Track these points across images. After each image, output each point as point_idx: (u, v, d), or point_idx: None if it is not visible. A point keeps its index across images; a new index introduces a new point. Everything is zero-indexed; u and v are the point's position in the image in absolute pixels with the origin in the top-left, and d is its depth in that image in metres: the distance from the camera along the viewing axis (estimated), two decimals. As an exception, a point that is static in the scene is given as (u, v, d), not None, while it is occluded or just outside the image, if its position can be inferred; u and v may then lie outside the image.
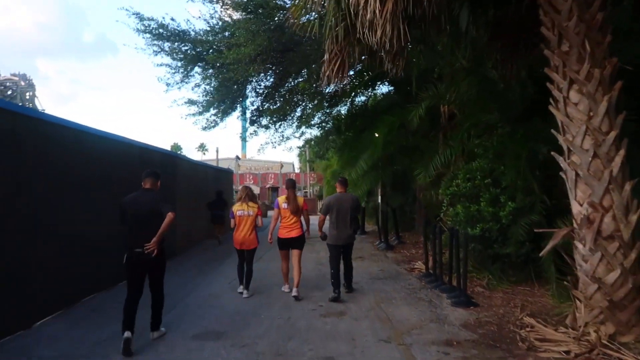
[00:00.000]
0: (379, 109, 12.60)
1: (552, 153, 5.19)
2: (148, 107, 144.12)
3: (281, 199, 7.04)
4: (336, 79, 5.54)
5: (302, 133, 15.05)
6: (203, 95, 12.90)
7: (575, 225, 4.90)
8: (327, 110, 14.88)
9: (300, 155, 47.86)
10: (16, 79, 59.54)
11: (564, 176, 5.09)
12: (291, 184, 7.17)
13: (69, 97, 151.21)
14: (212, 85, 12.24)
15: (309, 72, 10.50)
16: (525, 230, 6.93)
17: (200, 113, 13.35)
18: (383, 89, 13.30)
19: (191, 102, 13.17)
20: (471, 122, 8.06)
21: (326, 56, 5.49)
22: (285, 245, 6.96)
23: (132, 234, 4.74)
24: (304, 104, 12.44)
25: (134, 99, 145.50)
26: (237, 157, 45.33)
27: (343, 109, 15.37)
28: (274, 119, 13.50)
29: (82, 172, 6.76)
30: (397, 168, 11.75)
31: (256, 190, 44.57)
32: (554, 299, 6.23)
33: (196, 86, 12.85)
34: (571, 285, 5.08)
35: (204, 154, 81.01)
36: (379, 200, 15.32)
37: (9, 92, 56.25)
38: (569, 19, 4.70)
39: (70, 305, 6.26)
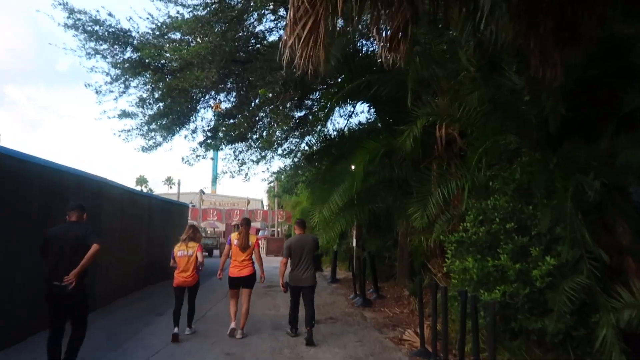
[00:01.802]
0: (357, 134, 10.59)
1: None
2: (117, 138, 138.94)
3: (234, 236, 7.08)
4: (305, 55, 3.41)
5: (265, 158, 12.74)
6: (139, 106, 10.55)
7: None
8: (296, 133, 12.77)
9: (269, 191, 45.55)
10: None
11: None
12: (245, 222, 7.31)
13: (37, 123, 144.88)
14: (153, 94, 9.98)
15: (272, 79, 8.44)
16: (568, 298, 4.86)
17: (141, 128, 10.97)
18: (361, 108, 11.39)
19: (125, 115, 10.81)
20: (485, 146, 6.03)
21: (289, 14, 3.37)
22: (236, 284, 6.94)
23: (54, 267, 4.62)
24: (266, 119, 10.26)
25: (103, 128, 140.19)
26: (202, 191, 42.45)
27: (312, 138, 13.31)
28: (229, 138, 11.16)
29: None
30: (378, 206, 9.59)
31: (221, 227, 41.65)
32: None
33: (140, 101, 10.51)
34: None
35: (171, 187, 77.58)
36: (354, 244, 13.03)
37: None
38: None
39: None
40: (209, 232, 32.18)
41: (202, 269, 7.01)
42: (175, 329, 6.56)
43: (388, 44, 4.33)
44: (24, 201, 6.40)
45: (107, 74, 10.16)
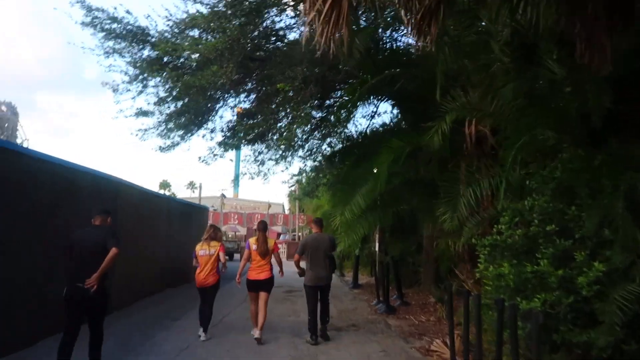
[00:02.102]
0: (380, 135, 10.17)
1: None
2: (143, 144, 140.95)
3: (252, 240, 6.97)
4: (326, 34, 3.05)
5: (285, 159, 12.39)
6: (156, 104, 10.33)
7: None
8: (317, 135, 12.38)
9: (290, 194, 45.35)
10: (3, 108, 57.46)
11: None
12: (262, 226, 7.11)
13: (66, 130, 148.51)
14: (171, 93, 9.74)
15: (292, 74, 8.09)
16: (619, 308, 4.36)
17: (159, 127, 10.77)
18: (384, 108, 10.98)
19: (142, 113, 10.64)
20: (521, 141, 5.56)
21: (308, -13, 3.03)
22: (254, 287, 6.83)
23: (76, 269, 4.74)
24: (285, 119, 9.89)
25: (127, 133, 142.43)
26: (223, 195, 42.54)
27: (334, 139, 12.92)
28: (248, 137, 10.86)
29: None
30: (402, 208, 9.14)
31: (242, 231, 41.51)
32: None
33: (158, 100, 10.30)
34: None
35: (193, 191, 78.14)
36: (376, 248, 12.55)
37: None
38: None
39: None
40: (230, 235, 32.02)
41: (225, 270, 7.08)
42: (203, 331, 6.72)
43: (417, 27, 3.95)
44: (29, 199, 6.13)
45: (125, 73, 10.03)
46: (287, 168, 14.31)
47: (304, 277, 6.96)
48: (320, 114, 12.32)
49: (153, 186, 79.60)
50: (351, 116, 9.76)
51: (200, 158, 11.79)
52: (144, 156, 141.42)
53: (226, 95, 10.83)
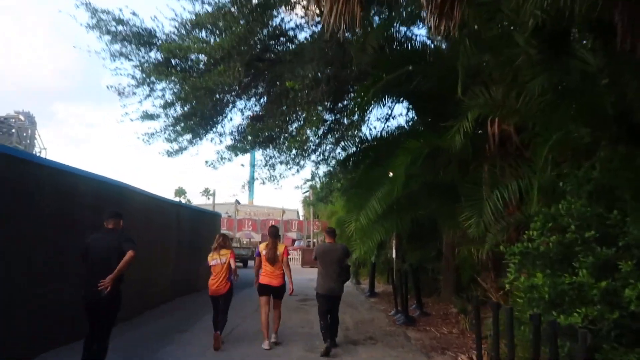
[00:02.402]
0: (396, 137, 9.73)
1: None
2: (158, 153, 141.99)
3: (262, 246, 6.98)
4: (336, 11, 2.65)
5: (297, 162, 12.01)
6: (163, 107, 10.02)
7: None
8: (330, 139, 11.97)
9: (304, 201, 44.91)
10: (21, 117, 58.16)
11: None
12: (273, 232, 7.12)
13: (82, 140, 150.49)
14: (180, 95, 9.43)
15: (302, 72, 7.69)
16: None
17: (165, 131, 10.45)
18: (399, 110, 10.56)
19: (148, 117, 10.32)
20: (554, 139, 5.08)
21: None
22: (265, 290, 6.79)
23: (91, 273, 4.80)
24: (296, 123, 9.50)
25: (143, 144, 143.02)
26: (237, 202, 42.31)
27: (347, 142, 12.49)
28: (258, 141, 10.49)
29: None
30: (421, 213, 8.66)
31: (256, 237, 41.11)
32: None
33: (166, 104, 10.01)
34: None
35: (208, 198, 78.04)
36: (393, 255, 12.04)
37: (12, 130, 54.58)
38: None
39: None
40: (244, 242, 31.68)
41: (237, 278, 6.96)
42: (218, 332, 6.60)
43: (439, 11, 3.53)
44: (32, 206, 5.87)
45: (133, 76, 9.76)
46: (298, 171, 13.87)
47: (317, 286, 6.86)
48: (332, 117, 11.93)
49: (169, 193, 79.80)
50: (365, 117, 9.32)
51: (207, 162, 11.47)
52: (160, 164, 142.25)
53: (235, 99, 10.50)
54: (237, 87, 8.75)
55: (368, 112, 8.74)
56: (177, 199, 61.36)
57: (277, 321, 6.85)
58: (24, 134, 55.86)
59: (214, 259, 6.88)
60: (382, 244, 13.04)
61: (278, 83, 9.16)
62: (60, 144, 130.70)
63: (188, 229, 12.71)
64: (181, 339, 7.16)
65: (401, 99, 9.71)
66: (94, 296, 4.67)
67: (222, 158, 11.49)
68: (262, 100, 11.27)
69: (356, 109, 8.47)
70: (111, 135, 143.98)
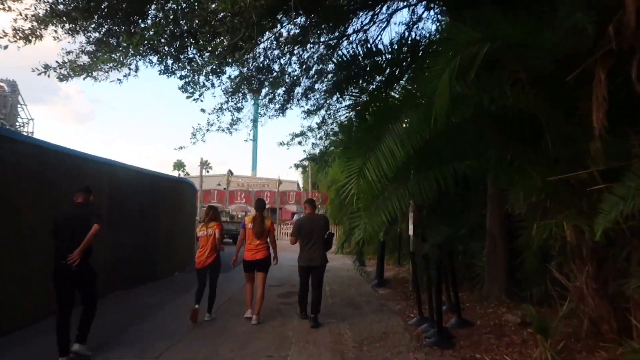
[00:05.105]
0: (424, 44, 6.25)
1: None
2: (164, 125, 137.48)
3: (247, 219, 6.88)
4: None
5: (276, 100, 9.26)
6: None
7: None
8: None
9: (304, 172, 41.63)
10: (3, 85, 54.52)
11: None
12: (260, 205, 7.01)
13: (87, 115, 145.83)
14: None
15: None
16: None
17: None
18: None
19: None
20: None
21: None
22: (250, 267, 6.79)
23: (60, 248, 4.76)
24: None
25: (150, 117, 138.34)
26: (230, 172, 38.86)
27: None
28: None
29: None
30: (468, 164, 5.26)
31: (252, 211, 37.77)
32: None
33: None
34: None
35: (208, 171, 74.56)
36: (410, 232, 8.53)
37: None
38: None
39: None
40: (240, 216, 27.73)
41: (223, 249, 6.81)
42: (196, 305, 6.47)
43: None
44: None
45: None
46: (279, 114, 11.17)
47: (298, 257, 6.74)
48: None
49: (167, 167, 76.95)
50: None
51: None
52: (160, 140, 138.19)
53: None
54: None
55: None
56: (175, 173, 58.17)
57: (259, 303, 6.61)
58: (6, 103, 52.34)
59: (201, 231, 6.86)
60: (394, 217, 9.55)
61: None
62: (65, 120, 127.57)
63: (132, 197, 9.44)
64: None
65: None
66: (64, 270, 4.64)
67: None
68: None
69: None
70: (115, 112, 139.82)
